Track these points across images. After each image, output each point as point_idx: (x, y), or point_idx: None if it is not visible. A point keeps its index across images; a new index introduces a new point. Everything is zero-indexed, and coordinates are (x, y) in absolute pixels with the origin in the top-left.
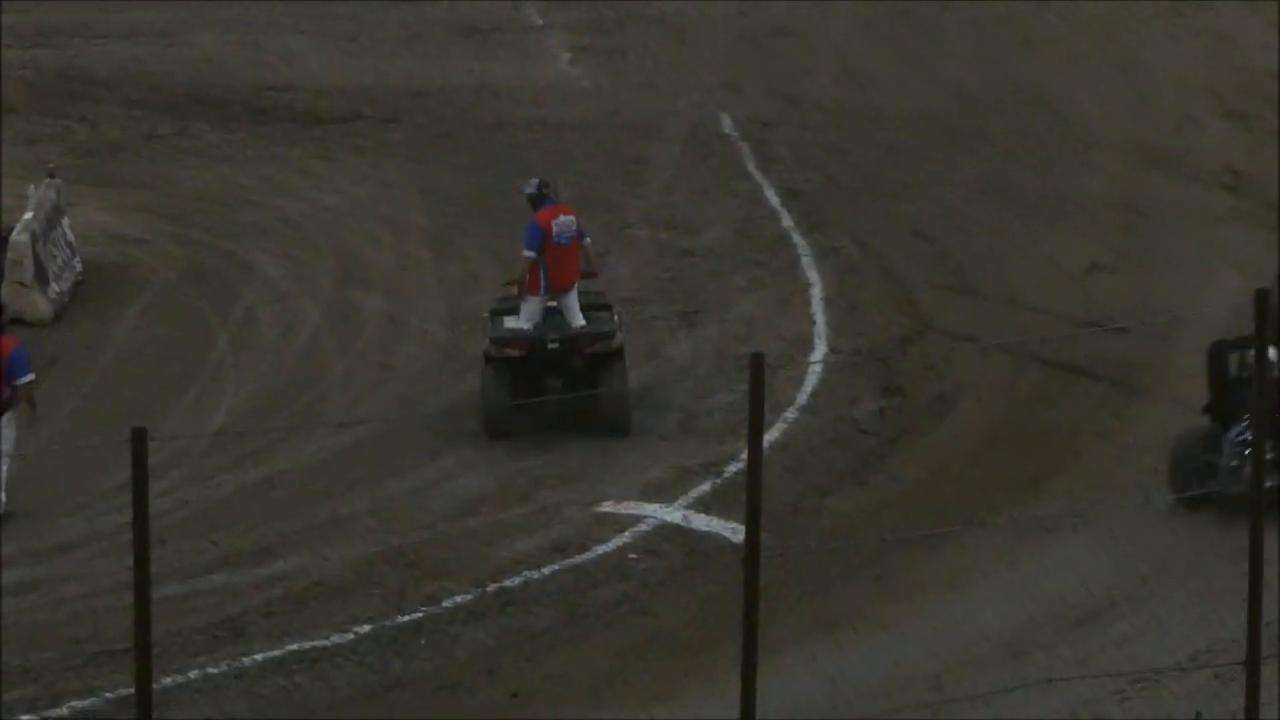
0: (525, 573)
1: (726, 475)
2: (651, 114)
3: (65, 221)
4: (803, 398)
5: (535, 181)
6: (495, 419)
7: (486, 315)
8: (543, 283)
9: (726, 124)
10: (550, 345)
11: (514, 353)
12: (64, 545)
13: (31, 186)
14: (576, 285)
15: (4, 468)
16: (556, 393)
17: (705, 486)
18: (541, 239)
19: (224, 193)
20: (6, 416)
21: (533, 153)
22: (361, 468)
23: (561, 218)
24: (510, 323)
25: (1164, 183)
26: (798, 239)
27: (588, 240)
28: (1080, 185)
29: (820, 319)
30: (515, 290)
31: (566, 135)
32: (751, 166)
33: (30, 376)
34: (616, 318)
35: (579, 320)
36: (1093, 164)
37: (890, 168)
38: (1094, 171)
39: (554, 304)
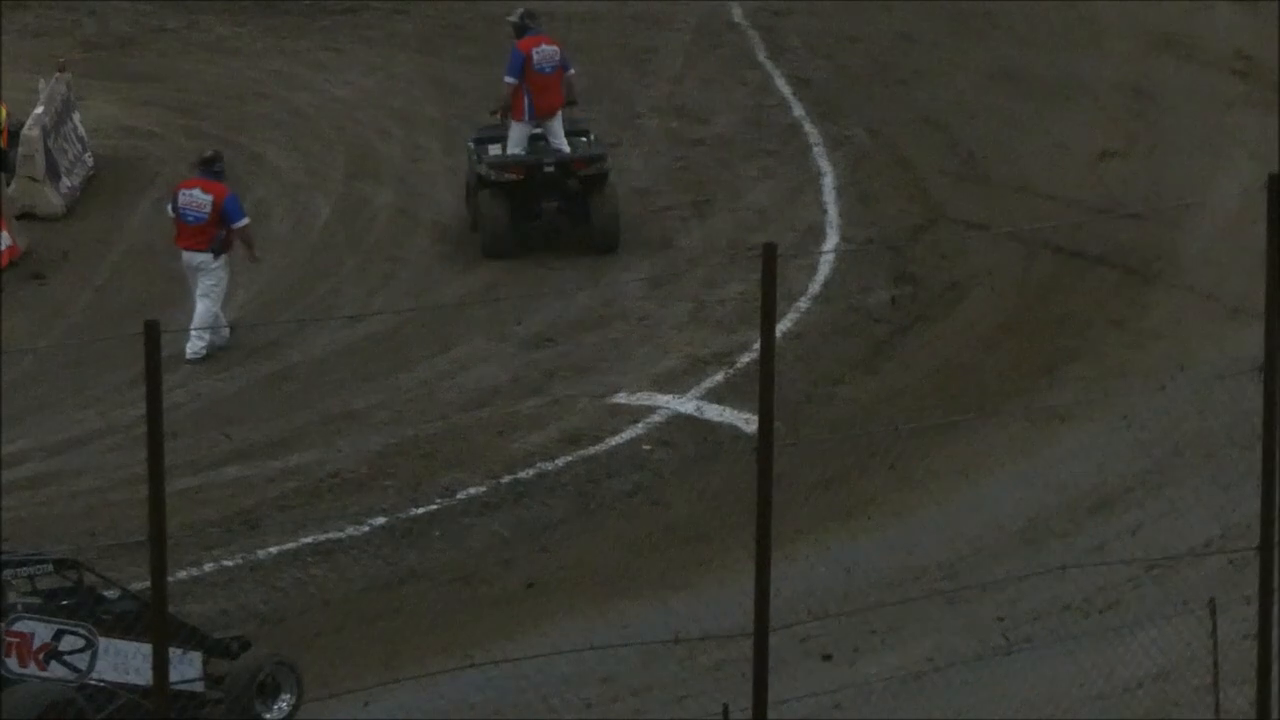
0: (539, 464)
1: (739, 365)
2: (660, 4)
3: (76, 116)
4: (815, 287)
5: (519, 11)
6: (494, 241)
7: (470, 143)
8: (527, 109)
9: (736, 13)
10: (546, 168)
11: (512, 176)
12: (78, 439)
13: (41, 81)
14: (560, 112)
15: (205, 306)
16: (551, 213)
17: (718, 377)
18: (523, 66)
19: (234, 85)
20: (223, 259)
21: None
22: (374, 360)
23: (544, 46)
24: (495, 150)
25: (1175, 68)
26: (809, 128)
27: (571, 71)
28: (1091, 71)
29: (832, 208)
30: (499, 117)
31: (575, 26)
32: (762, 55)
33: (245, 220)
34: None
35: (565, 145)
36: (1103, 49)
37: (901, 55)
38: (1104, 57)
39: (539, 130)
